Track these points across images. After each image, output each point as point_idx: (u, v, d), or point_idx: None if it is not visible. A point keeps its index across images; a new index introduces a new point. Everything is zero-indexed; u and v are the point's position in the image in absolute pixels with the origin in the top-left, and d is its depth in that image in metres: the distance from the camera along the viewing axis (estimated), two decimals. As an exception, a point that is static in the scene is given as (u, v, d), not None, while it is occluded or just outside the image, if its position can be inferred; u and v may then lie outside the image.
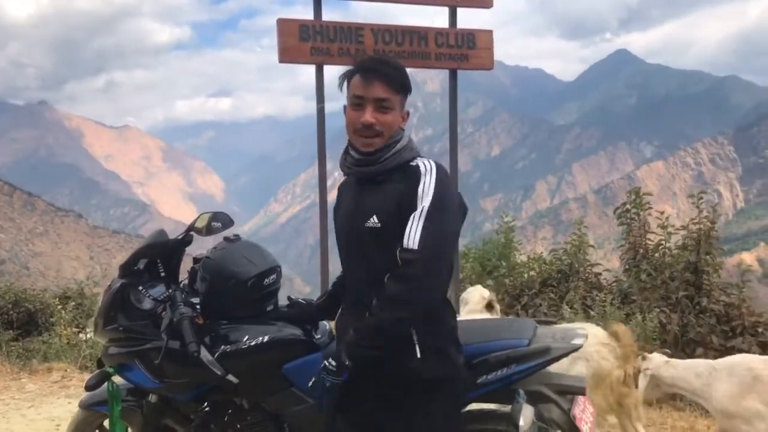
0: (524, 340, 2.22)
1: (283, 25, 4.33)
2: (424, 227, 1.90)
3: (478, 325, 2.82)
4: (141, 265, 2.75)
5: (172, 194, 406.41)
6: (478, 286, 4.75)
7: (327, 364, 1.98)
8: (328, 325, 2.65)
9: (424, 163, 2.03)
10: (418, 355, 1.94)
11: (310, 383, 2.05)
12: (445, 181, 2.00)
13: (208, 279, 2.62)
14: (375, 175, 2.08)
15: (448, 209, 1.97)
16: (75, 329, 8.76)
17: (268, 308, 2.66)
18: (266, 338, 2.51)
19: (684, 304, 5.99)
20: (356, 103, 2.06)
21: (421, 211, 1.92)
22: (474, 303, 4.37)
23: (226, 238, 2.75)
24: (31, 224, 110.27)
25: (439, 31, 5.05)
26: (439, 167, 2.03)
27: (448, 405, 2.03)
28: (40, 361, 6.66)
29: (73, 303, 10.03)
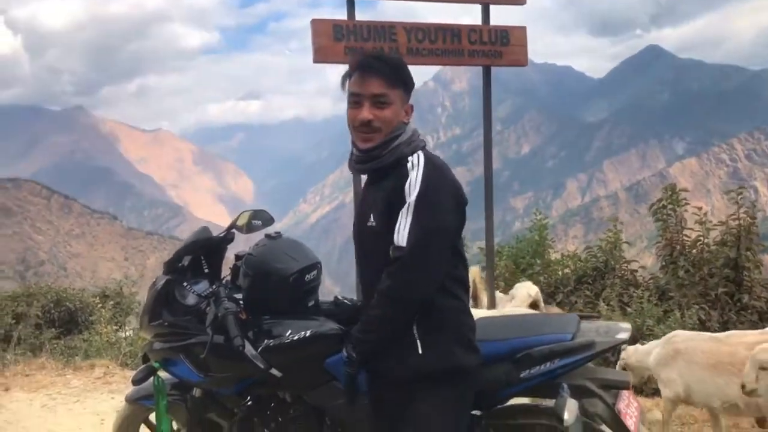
0: (568, 334, 2.21)
1: (317, 25, 4.37)
2: (411, 223, 1.90)
3: (522, 320, 2.81)
4: (185, 261, 2.81)
5: (204, 196, 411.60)
6: (527, 283, 4.74)
7: (346, 355, 2.09)
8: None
9: (413, 159, 2.01)
10: (420, 351, 1.97)
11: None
12: (433, 174, 1.96)
13: (251, 275, 2.67)
14: (375, 172, 2.10)
15: (437, 203, 1.95)
16: (114, 327, 8.96)
17: (310, 304, 2.69)
18: (308, 333, 2.54)
19: (724, 300, 5.89)
20: (354, 101, 2.06)
21: (408, 207, 1.92)
22: (520, 299, 4.38)
23: (267, 235, 2.79)
24: (68, 226, 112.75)
25: (472, 28, 5.04)
26: (427, 160, 2.00)
27: (449, 399, 2.03)
28: (83, 358, 6.83)
29: (112, 302, 10.27)
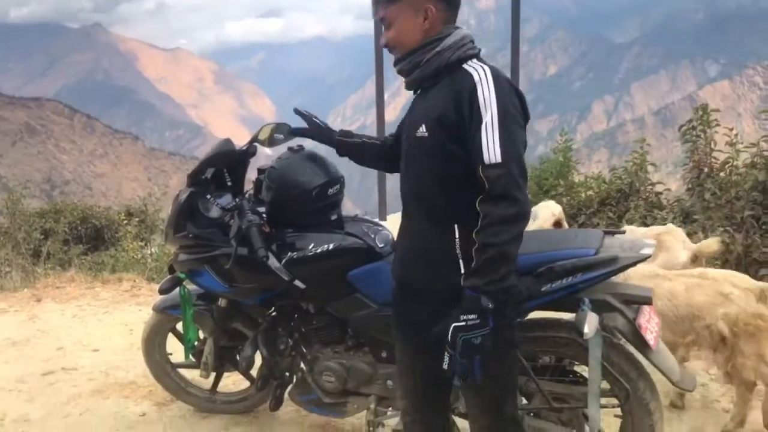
0: (591, 249, 2.19)
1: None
2: (501, 138, 1.79)
3: (545, 235, 2.80)
4: (208, 174, 2.82)
5: (225, 117, 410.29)
6: (550, 202, 4.67)
7: (463, 323, 1.76)
8: (390, 234, 2.68)
9: (476, 69, 1.90)
10: (462, 271, 1.88)
11: (446, 364, 1.79)
12: (506, 87, 1.88)
13: (274, 188, 2.67)
14: (421, 81, 2.02)
15: (516, 117, 1.87)
16: (140, 243, 9.15)
17: (332, 218, 2.70)
18: (331, 246, 2.56)
19: (749, 224, 5.80)
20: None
21: (491, 121, 1.81)
22: (543, 219, 4.33)
23: (290, 149, 2.77)
24: (91, 146, 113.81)
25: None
26: (495, 72, 1.90)
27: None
28: (110, 272, 7.01)
29: (137, 219, 10.45)
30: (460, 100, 1.86)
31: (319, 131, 2.58)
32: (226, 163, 2.85)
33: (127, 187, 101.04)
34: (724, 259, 5.58)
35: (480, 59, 1.97)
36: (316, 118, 2.62)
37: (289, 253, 2.58)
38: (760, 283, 2.99)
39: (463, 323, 1.76)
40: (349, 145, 2.52)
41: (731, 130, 6.41)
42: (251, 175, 2.92)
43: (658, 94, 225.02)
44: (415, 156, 2.00)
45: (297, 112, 2.66)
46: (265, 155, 3.18)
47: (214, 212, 2.76)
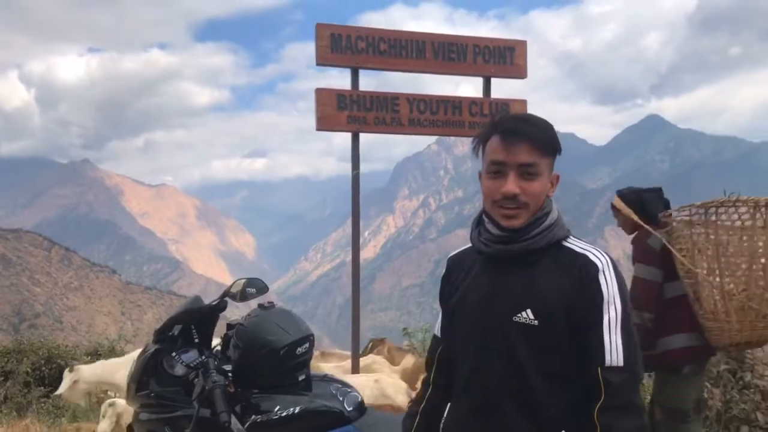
0: None
1: (321, 94, 4.45)
2: (624, 338, 1.64)
3: None
4: (176, 331, 2.77)
5: (205, 252, 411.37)
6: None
7: None
8: (360, 396, 2.62)
9: (596, 255, 1.72)
10: None
11: None
12: (623, 278, 1.72)
13: (241, 347, 2.62)
14: (520, 256, 1.75)
15: (632, 314, 1.72)
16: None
17: (300, 378, 2.64)
18: (297, 409, 2.49)
19: (726, 378, 5.77)
20: (495, 170, 1.74)
21: (615, 319, 1.64)
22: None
23: (260, 305, 2.76)
24: (66, 279, 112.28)
25: (473, 101, 5.12)
26: (613, 261, 1.72)
27: None
28: (70, 420, 6.66)
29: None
30: (583, 285, 1.68)
31: None
32: (194, 320, 2.81)
33: (99, 322, 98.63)
34: (704, 416, 5.48)
35: (573, 236, 1.81)
36: None
37: (254, 416, 2.49)
38: None
39: None
40: None
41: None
42: (221, 326, 2.89)
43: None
44: (508, 341, 1.72)
45: None
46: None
47: (179, 370, 2.69)
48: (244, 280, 2.82)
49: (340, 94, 4.52)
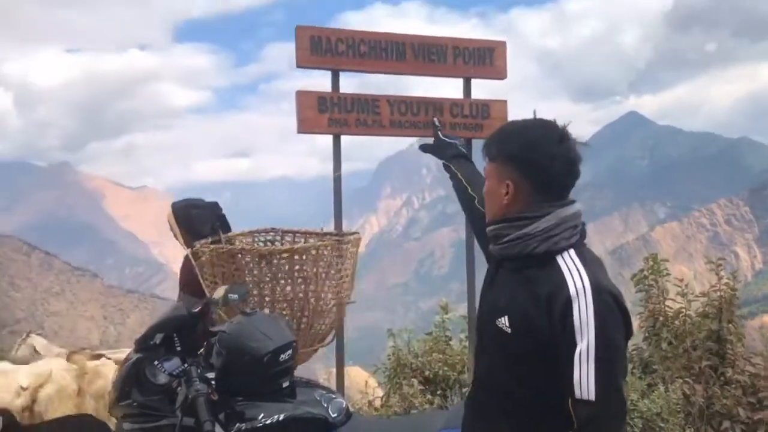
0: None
1: (302, 97, 4.42)
2: (596, 372, 1.58)
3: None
4: (157, 339, 2.75)
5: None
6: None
7: None
8: (344, 402, 2.62)
9: (573, 276, 1.65)
10: None
11: None
12: (609, 304, 1.63)
13: (224, 354, 2.60)
14: (505, 260, 1.79)
15: (618, 345, 1.64)
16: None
17: (284, 384, 2.63)
18: (282, 416, 2.48)
19: (708, 374, 5.83)
20: None
21: (587, 350, 1.58)
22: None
23: (242, 312, 2.74)
24: (47, 283, 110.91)
25: (454, 102, 5.12)
26: (596, 284, 1.64)
27: None
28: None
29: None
30: (551, 309, 1.64)
31: (439, 148, 2.57)
32: (176, 328, 2.79)
33: (82, 326, 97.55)
34: (687, 412, 5.54)
35: (579, 251, 1.73)
36: (444, 135, 2.62)
37: (238, 424, 2.48)
38: None
39: None
40: (462, 170, 2.41)
41: (681, 280, 6.60)
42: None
43: (612, 234, 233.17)
44: (491, 343, 1.79)
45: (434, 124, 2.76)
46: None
47: (161, 378, 2.67)
48: (226, 287, 2.81)
49: (320, 97, 4.50)
